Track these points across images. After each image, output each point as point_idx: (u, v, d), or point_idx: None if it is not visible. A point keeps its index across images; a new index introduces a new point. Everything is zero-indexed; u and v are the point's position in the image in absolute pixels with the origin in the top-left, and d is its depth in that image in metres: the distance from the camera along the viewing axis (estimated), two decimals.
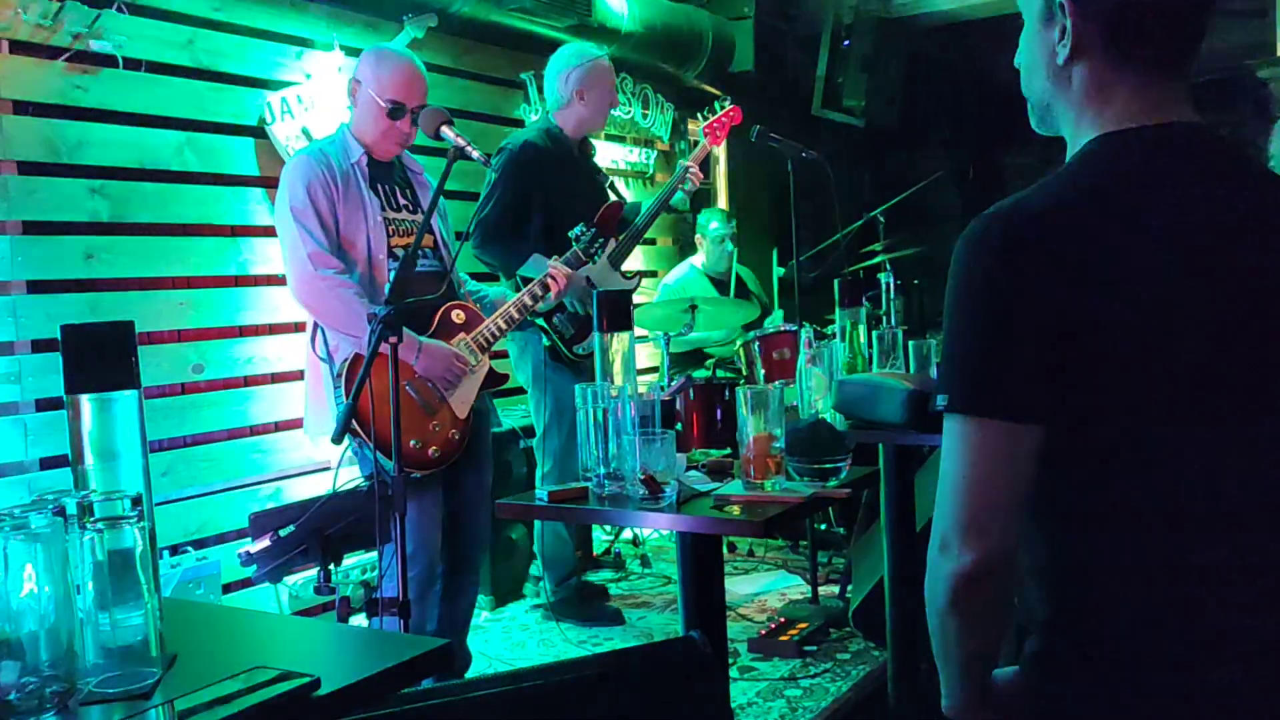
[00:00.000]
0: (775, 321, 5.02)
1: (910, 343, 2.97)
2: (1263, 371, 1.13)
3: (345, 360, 2.85)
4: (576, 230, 3.32)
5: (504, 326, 3.07)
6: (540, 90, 4.98)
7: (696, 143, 4.32)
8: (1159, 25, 1.17)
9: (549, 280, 3.19)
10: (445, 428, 2.93)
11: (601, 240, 3.33)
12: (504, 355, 3.70)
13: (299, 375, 3.89)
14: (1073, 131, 1.24)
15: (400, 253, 2.93)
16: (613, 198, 3.86)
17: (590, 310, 3.70)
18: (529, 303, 3.13)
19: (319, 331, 2.92)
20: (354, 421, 2.75)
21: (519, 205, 3.69)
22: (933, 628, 1.19)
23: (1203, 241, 1.12)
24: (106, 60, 3.31)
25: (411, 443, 2.84)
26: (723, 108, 4.07)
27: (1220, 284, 1.12)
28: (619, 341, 2.28)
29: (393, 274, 2.78)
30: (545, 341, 3.72)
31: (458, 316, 3.03)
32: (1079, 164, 1.20)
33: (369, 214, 2.91)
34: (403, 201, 3.05)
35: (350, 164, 2.94)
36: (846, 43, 6.38)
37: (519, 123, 4.95)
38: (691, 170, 3.91)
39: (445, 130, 2.79)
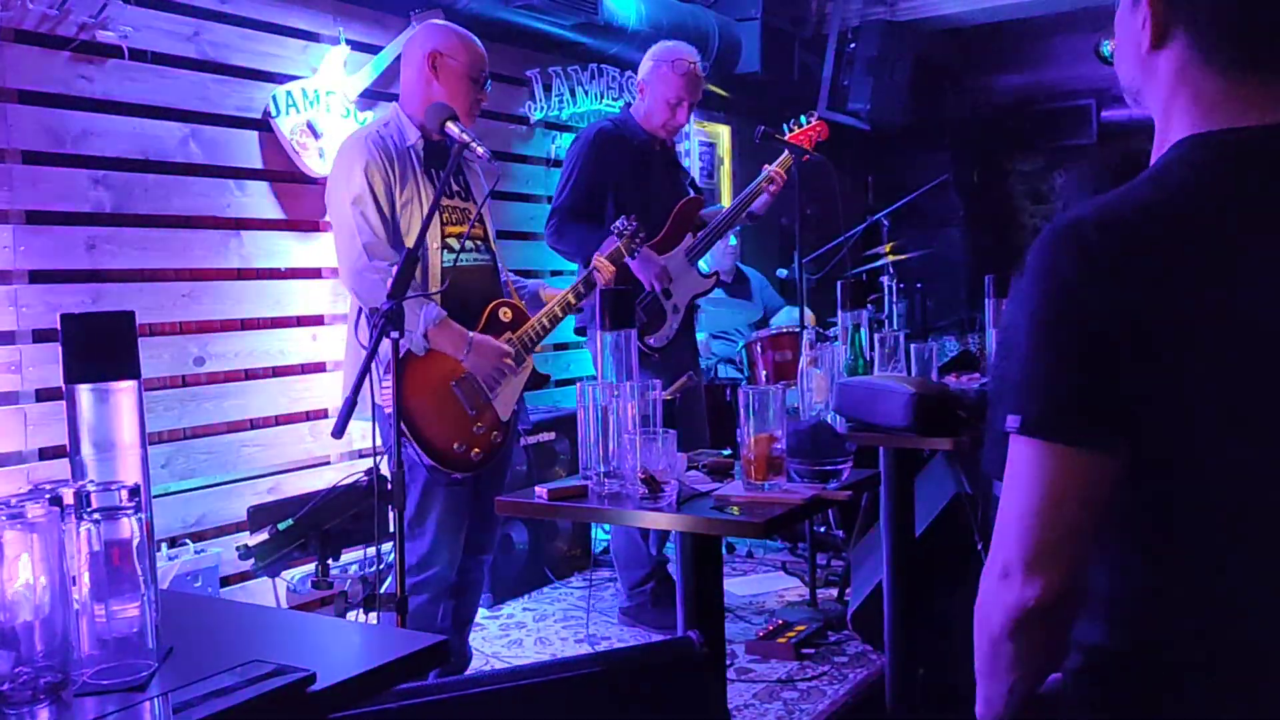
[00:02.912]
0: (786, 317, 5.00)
1: (912, 346, 2.97)
2: None
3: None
4: (619, 224, 3.26)
5: (548, 325, 3.03)
6: (546, 88, 5.00)
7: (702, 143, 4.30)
8: (1246, 18, 1.07)
9: (594, 276, 3.14)
10: (487, 430, 2.90)
11: (642, 235, 3.27)
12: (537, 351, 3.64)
13: (300, 369, 3.89)
14: (1161, 124, 1.14)
15: (453, 242, 2.90)
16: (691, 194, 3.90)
17: (663, 300, 3.73)
18: (573, 300, 3.08)
19: (362, 318, 2.89)
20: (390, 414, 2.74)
21: (592, 190, 3.69)
22: (982, 651, 1.12)
23: None
24: (112, 51, 3.30)
25: (454, 445, 2.82)
26: (808, 120, 4.03)
27: None
28: (623, 339, 2.27)
29: (392, 266, 2.76)
30: None
31: (505, 314, 2.98)
32: (1168, 167, 1.10)
33: (423, 199, 2.85)
34: (456, 189, 3.00)
35: (407, 147, 2.88)
36: (853, 45, 6.37)
37: (524, 120, 4.96)
38: (776, 175, 3.88)
39: (450, 126, 2.78)
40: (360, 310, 2.89)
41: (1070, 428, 1.04)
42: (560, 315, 3.05)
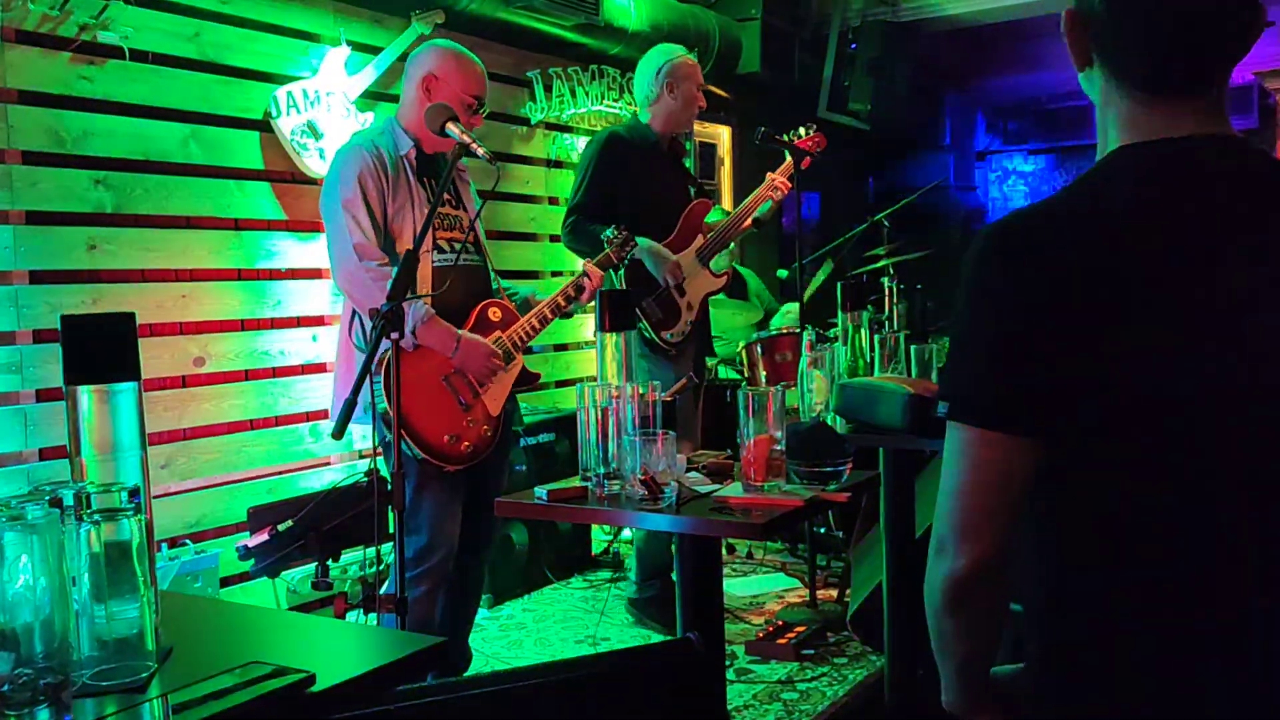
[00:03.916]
0: (785, 318, 5.01)
1: (913, 347, 2.96)
2: (1262, 377, 1.11)
3: (385, 352, 2.83)
4: (609, 232, 3.32)
5: (538, 325, 3.07)
6: (547, 89, 5.00)
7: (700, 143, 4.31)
8: (1141, 56, 1.16)
9: (584, 280, 3.18)
10: (479, 423, 2.93)
11: (634, 244, 3.34)
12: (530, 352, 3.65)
13: (300, 370, 3.89)
14: (1100, 134, 1.23)
15: (445, 245, 2.95)
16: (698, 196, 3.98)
17: (677, 297, 3.77)
18: (562, 302, 3.12)
19: (356, 321, 2.92)
20: (389, 411, 2.76)
21: (606, 192, 3.76)
22: (930, 627, 1.22)
23: (1209, 257, 1.11)
24: (113, 51, 3.30)
25: (446, 437, 2.85)
26: (809, 132, 4.08)
27: (1229, 300, 1.10)
28: (622, 340, 2.27)
29: (394, 269, 2.77)
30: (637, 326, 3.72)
31: (494, 314, 3.02)
32: (1093, 177, 1.19)
33: (416, 207, 2.91)
34: (447, 196, 3.05)
35: (400, 156, 2.94)
36: (853, 45, 6.37)
37: (525, 121, 4.96)
38: (779, 181, 3.96)
39: (450, 127, 2.80)
40: (354, 313, 2.91)
41: (989, 413, 1.14)
42: (550, 317, 3.09)
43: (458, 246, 2.98)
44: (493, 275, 3.13)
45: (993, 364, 1.15)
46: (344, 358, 2.98)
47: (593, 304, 3.11)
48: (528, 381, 3.12)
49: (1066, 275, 1.11)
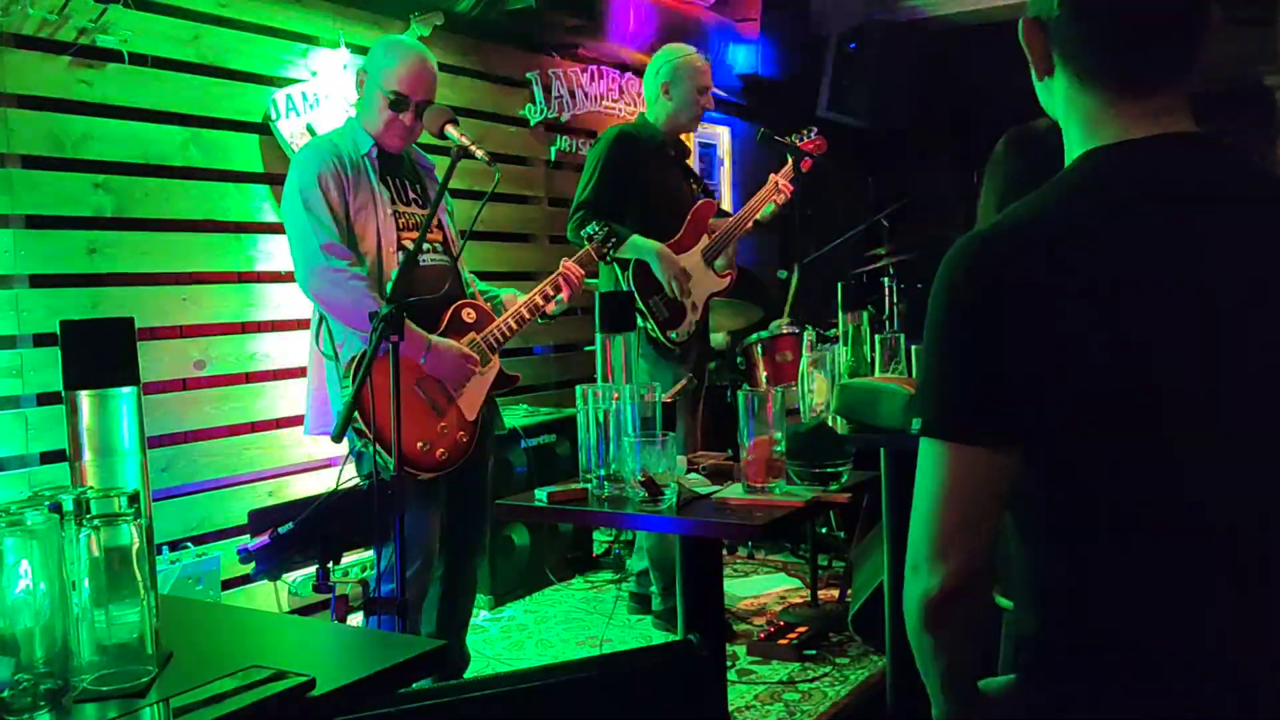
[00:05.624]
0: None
1: (913, 347, 2.96)
2: (1245, 383, 1.10)
3: (353, 357, 2.77)
4: (590, 229, 3.29)
5: (515, 326, 3.02)
6: (546, 89, 5.00)
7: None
8: (1110, 55, 1.16)
9: (560, 280, 3.15)
10: (453, 429, 2.88)
11: (614, 240, 3.31)
12: (520, 353, 3.64)
13: (301, 372, 3.89)
14: (1065, 140, 1.23)
15: (410, 245, 2.89)
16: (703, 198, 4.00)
17: (682, 298, 3.79)
18: (540, 301, 3.08)
19: (324, 326, 2.87)
20: (358, 419, 2.73)
21: (615, 189, 3.77)
22: (911, 644, 1.20)
23: (1179, 257, 1.11)
24: (112, 55, 3.30)
25: (419, 444, 2.80)
26: (809, 135, 4.09)
27: (1199, 299, 1.10)
28: (621, 342, 2.27)
29: (395, 272, 2.75)
30: (640, 325, 3.71)
31: (468, 315, 2.97)
32: (1060, 182, 1.19)
33: (379, 206, 2.85)
34: (412, 196, 3.00)
35: (360, 156, 2.88)
36: (852, 45, 6.37)
37: (524, 122, 4.96)
38: (781, 184, 3.98)
39: (449, 129, 2.79)
40: (323, 319, 2.87)
41: (960, 428, 1.13)
42: (527, 317, 3.03)
43: (425, 247, 2.93)
44: (466, 277, 3.09)
45: (965, 379, 1.13)
46: (316, 364, 2.93)
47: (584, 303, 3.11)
48: (506, 384, 3.07)
49: (1038, 285, 1.10)
